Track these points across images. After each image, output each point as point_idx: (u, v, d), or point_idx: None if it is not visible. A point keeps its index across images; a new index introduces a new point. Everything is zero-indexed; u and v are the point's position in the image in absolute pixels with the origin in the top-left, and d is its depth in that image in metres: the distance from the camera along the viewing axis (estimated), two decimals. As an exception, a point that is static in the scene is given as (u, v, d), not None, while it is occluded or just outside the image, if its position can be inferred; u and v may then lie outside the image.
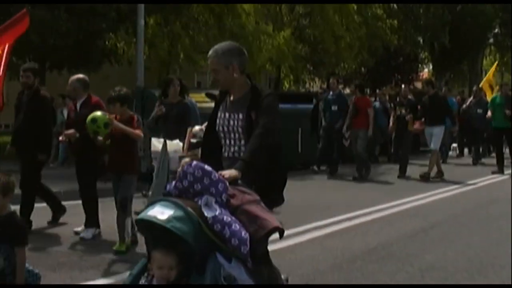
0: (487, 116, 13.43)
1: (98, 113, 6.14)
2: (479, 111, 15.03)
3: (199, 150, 6.62)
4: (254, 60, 18.62)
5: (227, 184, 3.42)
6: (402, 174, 12.42)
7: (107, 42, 15.87)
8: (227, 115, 4.03)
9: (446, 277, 5.33)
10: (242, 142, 3.96)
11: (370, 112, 12.09)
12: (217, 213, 3.25)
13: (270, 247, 6.17)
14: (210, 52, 3.96)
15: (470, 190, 10.94)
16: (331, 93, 12.74)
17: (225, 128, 4.04)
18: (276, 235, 3.42)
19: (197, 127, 7.16)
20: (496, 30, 32.14)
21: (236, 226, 3.26)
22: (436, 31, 27.60)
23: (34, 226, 7.03)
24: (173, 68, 20.71)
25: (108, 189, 6.82)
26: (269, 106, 3.88)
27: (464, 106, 16.38)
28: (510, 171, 12.96)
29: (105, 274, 5.37)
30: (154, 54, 18.25)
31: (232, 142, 4.02)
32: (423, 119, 12.18)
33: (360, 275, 5.36)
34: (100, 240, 6.77)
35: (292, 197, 10.31)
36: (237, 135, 3.99)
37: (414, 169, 12.86)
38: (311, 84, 29.75)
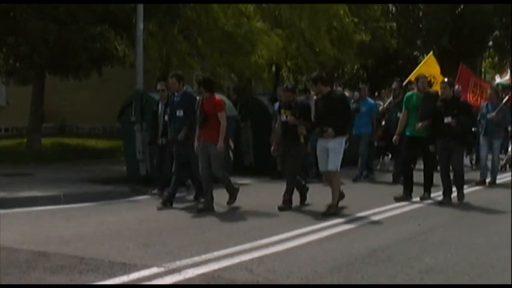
0: (399, 117, 10.23)
1: None
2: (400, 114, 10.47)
3: None
4: (254, 59, 18.45)
5: None
6: (286, 205, 8.88)
7: (97, 45, 15.86)
8: None
9: (446, 280, 5.31)
10: None
11: (221, 118, 8.74)
12: None
13: (269, 250, 6.21)
14: None
15: (467, 194, 10.84)
16: (176, 94, 9.35)
17: None
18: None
19: None
20: (496, 33, 32.18)
21: None
22: (436, 34, 27.61)
23: (34, 229, 6.97)
24: (171, 71, 20.57)
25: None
26: None
27: (380, 108, 12.89)
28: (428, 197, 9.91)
29: (104, 277, 5.34)
30: (150, 58, 18.24)
31: None
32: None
33: (360, 277, 5.34)
34: (100, 243, 6.74)
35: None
36: None
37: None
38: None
